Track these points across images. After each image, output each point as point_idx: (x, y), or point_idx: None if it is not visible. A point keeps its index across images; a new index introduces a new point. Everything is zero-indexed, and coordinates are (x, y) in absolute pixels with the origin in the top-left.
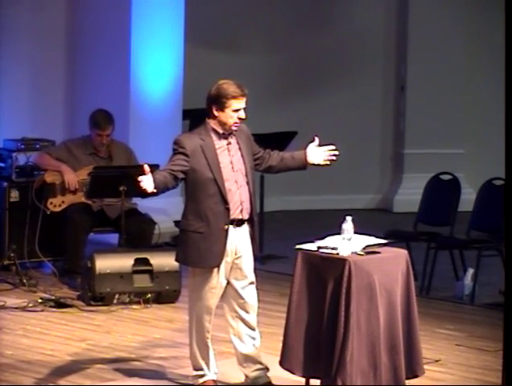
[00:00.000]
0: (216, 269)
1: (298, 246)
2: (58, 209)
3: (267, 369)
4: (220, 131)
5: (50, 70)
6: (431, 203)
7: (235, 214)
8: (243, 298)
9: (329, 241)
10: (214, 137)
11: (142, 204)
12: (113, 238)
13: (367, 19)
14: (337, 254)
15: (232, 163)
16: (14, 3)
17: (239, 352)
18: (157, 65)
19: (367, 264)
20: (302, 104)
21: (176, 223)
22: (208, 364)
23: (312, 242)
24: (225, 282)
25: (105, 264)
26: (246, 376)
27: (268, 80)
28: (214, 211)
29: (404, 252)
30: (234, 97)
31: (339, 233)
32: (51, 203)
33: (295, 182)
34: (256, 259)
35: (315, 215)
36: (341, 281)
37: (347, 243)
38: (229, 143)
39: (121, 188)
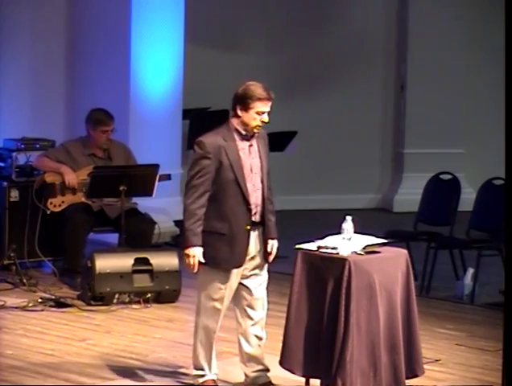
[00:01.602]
0: (233, 270)
1: (298, 246)
2: (58, 209)
3: (268, 370)
4: (243, 132)
5: (50, 69)
6: (431, 202)
7: (251, 217)
8: (254, 298)
9: (329, 241)
10: (237, 137)
11: (142, 204)
12: (113, 238)
13: (367, 19)
14: (337, 254)
15: (251, 166)
16: (14, 2)
17: (244, 351)
18: (157, 65)
19: (367, 264)
20: (302, 103)
21: (176, 223)
22: (209, 365)
23: (312, 242)
24: (236, 283)
25: (105, 263)
26: (246, 375)
27: (268, 80)
28: (235, 211)
29: (404, 252)
30: (259, 99)
31: (339, 233)
32: (51, 203)
33: (295, 182)
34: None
35: (315, 215)
36: (341, 281)
37: (347, 243)
38: (251, 145)
39: (121, 188)
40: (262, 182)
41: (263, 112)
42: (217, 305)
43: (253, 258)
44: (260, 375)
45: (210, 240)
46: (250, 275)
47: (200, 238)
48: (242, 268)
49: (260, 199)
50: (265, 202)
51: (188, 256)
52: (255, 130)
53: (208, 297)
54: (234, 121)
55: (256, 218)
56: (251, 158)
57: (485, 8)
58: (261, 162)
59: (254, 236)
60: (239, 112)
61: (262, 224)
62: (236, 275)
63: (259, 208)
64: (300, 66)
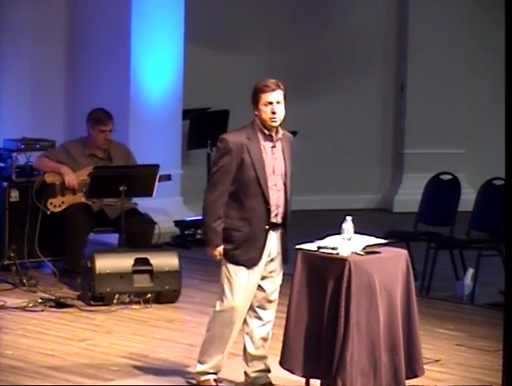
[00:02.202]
0: (252, 268)
1: (298, 246)
2: (58, 209)
3: (269, 371)
4: (266, 131)
5: (50, 69)
6: (431, 203)
7: (271, 217)
8: (268, 300)
9: (329, 241)
10: (261, 137)
11: (142, 204)
12: (113, 238)
13: (367, 19)
14: (337, 254)
15: (274, 166)
16: (14, 2)
17: (247, 351)
18: (157, 65)
19: (367, 264)
20: (302, 104)
21: (176, 223)
22: (217, 362)
23: (312, 242)
24: (256, 283)
25: (105, 264)
26: (247, 375)
27: None
28: (256, 211)
29: (404, 252)
30: (263, 91)
31: (339, 233)
32: (51, 204)
33: (295, 182)
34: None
35: (315, 215)
36: (341, 281)
37: (347, 243)
38: (274, 146)
39: (121, 188)
40: (284, 184)
41: (271, 103)
42: (235, 303)
43: (272, 260)
44: (261, 375)
45: (230, 238)
46: (268, 277)
47: (221, 236)
48: (262, 268)
49: (282, 200)
50: (287, 204)
51: (212, 254)
52: (272, 124)
53: (226, 296)
54: (257, 122)
55: (277, 219)
56: (274, 159)
57: (485, 7)
58: (285, 164)
59: (275, 238)
60: (255, 112)
61: (283, 226)
62: (255, 275)
63: (281, 209)
64: (300, 66)
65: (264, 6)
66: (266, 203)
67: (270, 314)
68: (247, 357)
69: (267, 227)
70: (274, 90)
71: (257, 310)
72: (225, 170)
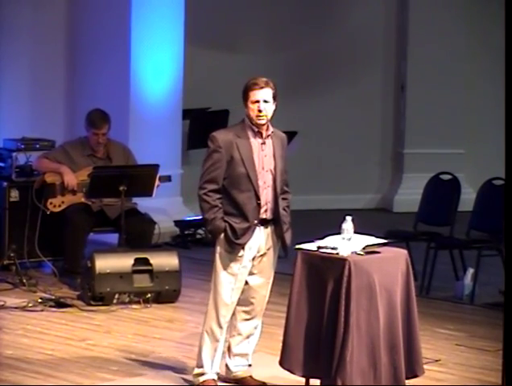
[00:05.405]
0: (239, 265)
1: (298, 246)
2: (58, 209)
3: (250, 365)
4: (254, 128)
5: (50, 70)
6: (431, 203)
7: (260, 213)
8: (254, 296)
9: (329, 241)
10: (250, 134)
11: (142, 204)
12: (113, 238)
13: (367, 18)
14: (337, 254)
15: (263, 163)
16: (14, 2)
17: (231, 344)
18: (157, 65)
19: (367, 264)
20: (302, 103)
21: (176, 223)
22: (212, 362)
23: (312, 242)
24: (245, 278)
25: (104, 264)
26: (227, 367)
27: None
28: (247, 206)
29: (404, 252)
30: (251, 89)
31: (339, 233)
32: (50, 203)
33: (295, 182)
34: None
35: (315, 215)
36: (341, 281)
37: (347, 243)
38: (264, 143)
39: (120, 188)
40: (273, 180)
41: (257, 101)
42: (224, 298)
43: (262, 255)
44: (241, 368)
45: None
46: (256, 273)
47: (222, 221)
48: (249, 263)
49: (271, 196)
50: (277, 200)
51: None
52: (258, 122)
53: (215, 291)
54: (246, 119)
55: (267, 215)
56: (263, 156)
57: (486, 7)
58: (274, 161)
59: (265, 233)
60: (245, 108)
61: (274, 222)
62: (242, 271)
63: (270, 205)
64: (300, 66)
65: (264, 5)
66: (257, 198)
67: (256, 309)
68: (231, 349)
69: (256, 222)
70: (262, 88)
71: (244, 304)
72: (217, 166)
